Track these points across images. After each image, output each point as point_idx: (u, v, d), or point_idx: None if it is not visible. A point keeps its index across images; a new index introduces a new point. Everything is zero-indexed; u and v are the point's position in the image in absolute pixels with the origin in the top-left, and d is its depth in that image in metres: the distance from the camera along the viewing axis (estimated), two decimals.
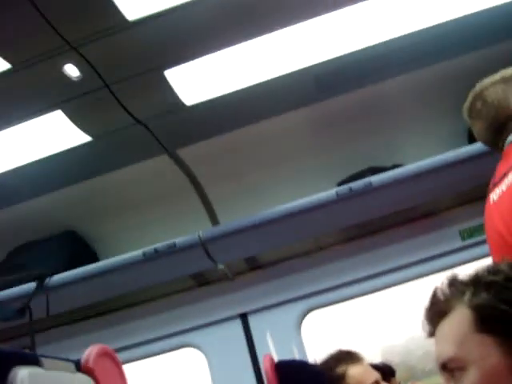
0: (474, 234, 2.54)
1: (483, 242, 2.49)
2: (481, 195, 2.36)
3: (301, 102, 2.33)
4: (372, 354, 3.40)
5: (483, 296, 0.91)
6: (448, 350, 0.92)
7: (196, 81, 2.08)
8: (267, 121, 2.42)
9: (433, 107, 2.47)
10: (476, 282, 0.94)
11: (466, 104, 1.69)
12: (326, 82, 2.22)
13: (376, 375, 2.00)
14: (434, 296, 0.99)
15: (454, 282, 0.97)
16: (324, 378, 2.00)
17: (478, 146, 2.22)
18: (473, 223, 2.53)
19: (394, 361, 3.59)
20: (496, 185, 1.56)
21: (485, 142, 1.69)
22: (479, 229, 2.49)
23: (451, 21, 2.08)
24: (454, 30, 2.12)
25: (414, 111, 2.48)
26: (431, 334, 1.00)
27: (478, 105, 1.64)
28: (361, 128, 2.45)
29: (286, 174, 2.53)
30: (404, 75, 2.34)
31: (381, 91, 2.38)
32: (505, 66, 1.68)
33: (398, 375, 3.15)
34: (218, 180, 2.61)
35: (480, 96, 1.64)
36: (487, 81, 1.65)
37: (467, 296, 0.93)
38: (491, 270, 0.95)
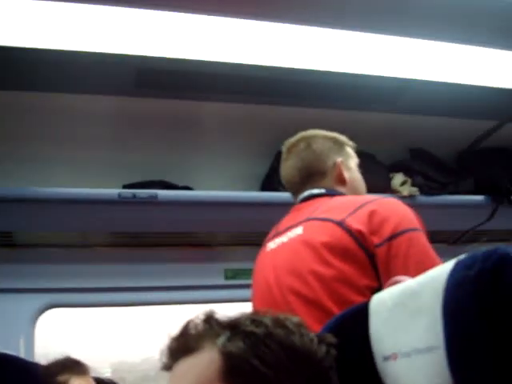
0: (236, 277, 2.59)
1: (244, 286, 2.60)
2: (253, 242, 2.45)
3: (116, 90, 2.19)
4: (103, 367, 3.28)
5: (238, 345, 0.82)
6: None
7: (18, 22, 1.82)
8: (78, 95, 2.21)
9: (240, 147, 2.49)
10: (234, 327, 0.85)
11: (291, 140, 1.71)
12: (147, 81, 2.12)
13: None
14: (185, 329, 0.87)
15: (210, 320, 0.87)
16: (40, 382, 1.87)
17: (265, 196, 2.29)
18: (238, 266, 2.59)
19: (126, 378, 3.50)
20: (278, 235, 1.57)
21: (287, 181, 1.71)
22: (242, 273, 2.55)
23: (282, 69, 2.08)
24: (283, 79, 2.15)
25: (222, 144, 2.47)
26: (168, 367, 0.88)
27: (302, 145, 1.67)
28: (165, 140, 2.37)
29: (75, 157, 2.33)
30: (228, 104, 2.32)
31: (199, 111, 2.34)
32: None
33: None
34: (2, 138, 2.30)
35: (307, 140, 1.67)
36: (321, 132, 1.70)
37: (221, 340, 0.83)
38: (254, 320, 0.86)
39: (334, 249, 1.36)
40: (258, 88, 2.17)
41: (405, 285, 0.85)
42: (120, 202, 2.20)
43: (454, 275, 0.69)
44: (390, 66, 2.13)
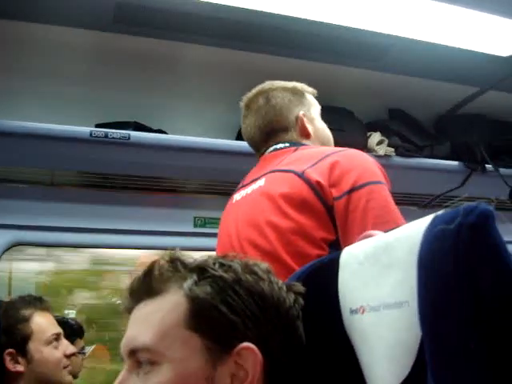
0: (205, 225, 2.58)
1: (213, 235, 2.59)
2: (225, 191, 2.43)
3: (93, 24, 2.09)
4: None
5: (206, 289, 0.79)
6: (145, 337, 0.78)
7: None
8: (52, 27, 2.09)
9: (218, 94, 2.42)
10: (202, 270, 0.82)
11: (249, 94, 1.66)
12: (126, 16, 2.02)
13: (59, 329, 1.96)
14: (150, 270, 0.83)
15: (176, 262, 0.83)
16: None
17: (240, 145, 2.24)
18: (208, 214, 2.57)
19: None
20: (244, 187, 1.56)
21: (249, 139, 1.68)
22: (212, 221, 2.53)
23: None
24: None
25: (199, 89, 2.40)
26: (128, 310, 0.84)
27: (261, 101, 1.62)
28: (142, 80, 2.28)
29: (46, 92, 2.24)
30: (208, 47, 2.23)
31: (177, 52, 2.24)
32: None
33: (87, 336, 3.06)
34: None
35: (266, 93, 1.62)
36: (279, 83, 1.64)
37: (188, 283, 0.80)
38: (223, 264, 0.83)
39: (292, 200, 1.34)
40: (239, 33, 2.10)
41: (378, 238, 0.83)
42: (91, 140, 2.13)
43: (431, 229, 0.67)
44: (377, 21, 2.07)
